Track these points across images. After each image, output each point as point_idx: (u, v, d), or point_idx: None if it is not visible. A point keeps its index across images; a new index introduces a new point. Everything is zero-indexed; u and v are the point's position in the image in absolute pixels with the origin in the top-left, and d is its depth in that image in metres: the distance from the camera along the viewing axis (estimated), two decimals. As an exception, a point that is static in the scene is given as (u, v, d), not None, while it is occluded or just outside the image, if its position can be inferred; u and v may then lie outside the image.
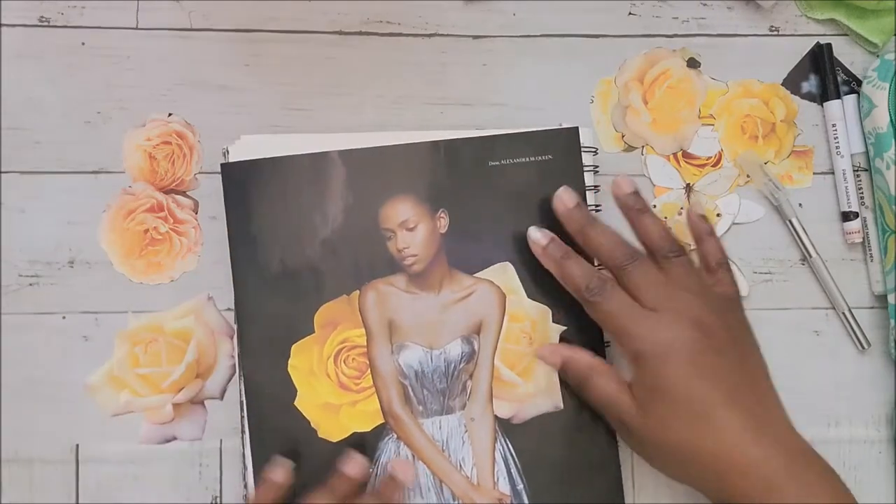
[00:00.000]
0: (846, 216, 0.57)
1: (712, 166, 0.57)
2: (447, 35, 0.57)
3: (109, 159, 0.55)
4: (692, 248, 0.52)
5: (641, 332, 0.47)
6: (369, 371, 0.52)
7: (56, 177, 0.55)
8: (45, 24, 0.56)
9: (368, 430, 0.52)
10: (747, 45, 0.58)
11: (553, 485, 0.52)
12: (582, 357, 0.51)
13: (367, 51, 0.57)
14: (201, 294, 0.55)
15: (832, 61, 0.57)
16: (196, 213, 0.55)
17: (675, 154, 0.57)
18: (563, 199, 0.51)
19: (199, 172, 0.56)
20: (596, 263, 0.52)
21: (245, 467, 0.52)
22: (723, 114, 0.58)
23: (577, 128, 0.54)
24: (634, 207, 0.51)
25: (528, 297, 0.53)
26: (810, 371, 0.56)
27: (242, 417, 0.52)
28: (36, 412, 0.54)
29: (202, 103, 0.56)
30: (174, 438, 0.54)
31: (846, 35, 0.58)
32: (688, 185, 0.57)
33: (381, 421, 0.52)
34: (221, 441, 0.54)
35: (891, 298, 0.55)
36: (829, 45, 0.58)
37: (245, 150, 0.53)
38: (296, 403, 0.52)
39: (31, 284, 0.55)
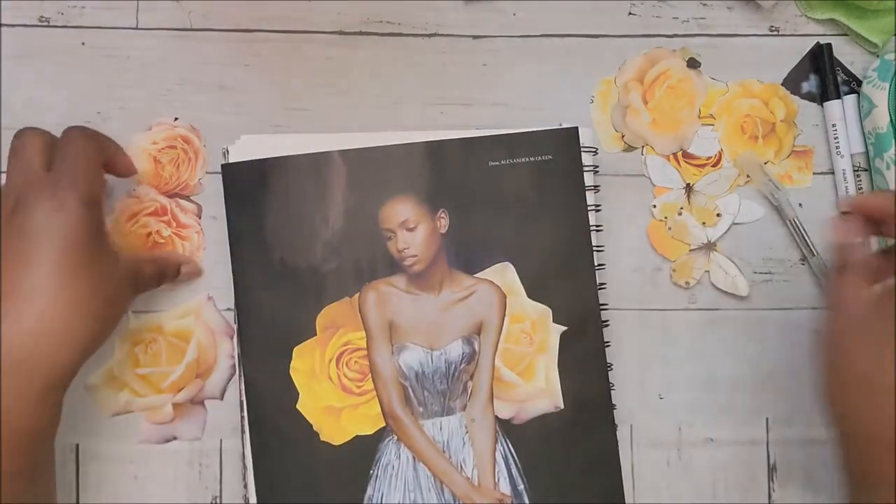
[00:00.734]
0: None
1: (712, 166, 0.57)
2: (447, 35, 0.57)
3: (109, 159, 0.55)
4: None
5: None
6: (371, 373, 0.52)
7: (56, 177, 0.55)
8: (45, 24, 0.56)
9: (370, 433, 0.52)
10: (747, 45, 0.58)
11: (553, 485, 0.52)
12: (859, 248, 0.44)
13: (367, 51, 0.57)
14: (201, 294, 0.55)
15: (832, 61, 0.57)
16: (199, 218, 0.55)
17: (674, 154, 0.57)
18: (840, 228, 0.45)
19: (205, 174, 0.55)
20: None
21: (245, 467, 0.52)
22: (723, 114, 0.58)
23: (576, 128, 0.54)
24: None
25: (529, 297, 0.53)
26: (810, 371, 0.56)
27: (242, 417, 0.52)
28: (36, 412, 0.54)
29: (202, 103, 0.56)
30: (174, 438, 0.54)
31: (846, 35, 0.58)
32: (688, 185, 0.57)
33: (383, 424, 0.52)
34: (221, 441, 0.54)
35: (890, 298, 0.55)
36: (829, 45, 0.57)
37: (245, 150, 0.53)
38: (298, 406, 0.52)
39: (31, 284, 0.54)
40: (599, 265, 0.54)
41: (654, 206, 0.57)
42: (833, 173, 0.57)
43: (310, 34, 0.57)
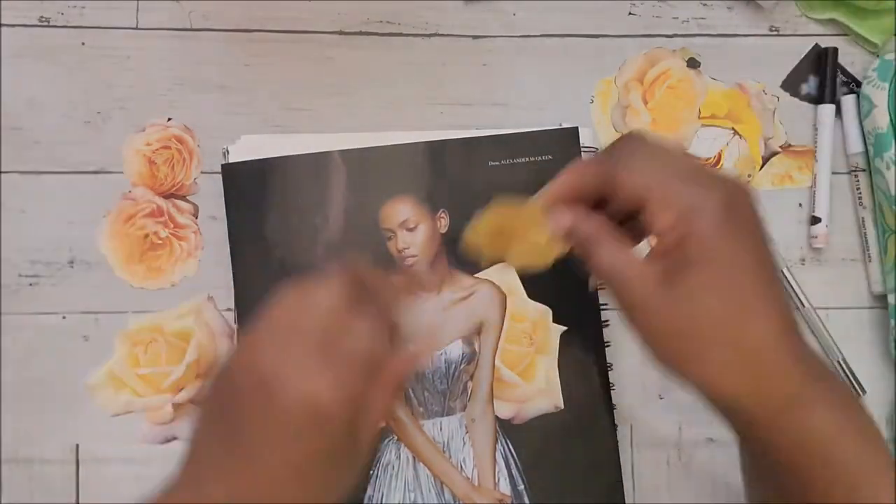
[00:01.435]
0: (813, 220, 0.57)
1: (712, 167, 0.57)
2: (447, 35, 0.57)
3: (109, 159, 0.55)
4: None
5: (673, 188, 0.38)
6: (370, 371, 0.52)
7: (56, 177, 0.55)
8: (45, 24, 0.56)
9: (370, 433, 0.52)
10: (747, 45, 0.58)
11: (553, 485, 0.52)
12: (591, 219, 0.41)
13: (367, 51, 0.57)
14: (201, 294, 0.55)
15: (835, 66, 0.57)
16: (196, 218, 0.55)
17: (675, 154, 0.57)
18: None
19: (200, 174, 0.55)
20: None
21: (245, 467, 0.52)
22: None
23: (577, 128, 0.54)
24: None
25: (529, 297, 0.53)
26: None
27: (243, 417, 0.52)
28: (36, 412, 0.54)
29: (202, 103, 0.56)
30: (174, 438, 0.54)
31: (846, 35, 0.58)
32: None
33: (383, 424, 0.52)
34: (222, 441, 0.54)
35: (891, 298, 0.55)
36: (834, 50, 0.57)
37: (245, 150, 0.53)
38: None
39: (31, 284, 0.54)
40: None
41: (654, 206, 0.57)
42: (835, 173, 0.57)
43: (310, 34, 0.57)
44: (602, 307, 0.54)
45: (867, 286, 0.57)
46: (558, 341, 0.53)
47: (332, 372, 0.37)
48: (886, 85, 0.55)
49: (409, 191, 0.53)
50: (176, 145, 0.56)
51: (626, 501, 0.53)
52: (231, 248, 0.53)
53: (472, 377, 0.53)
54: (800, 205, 0.57)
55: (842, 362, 0.56)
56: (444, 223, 0.53)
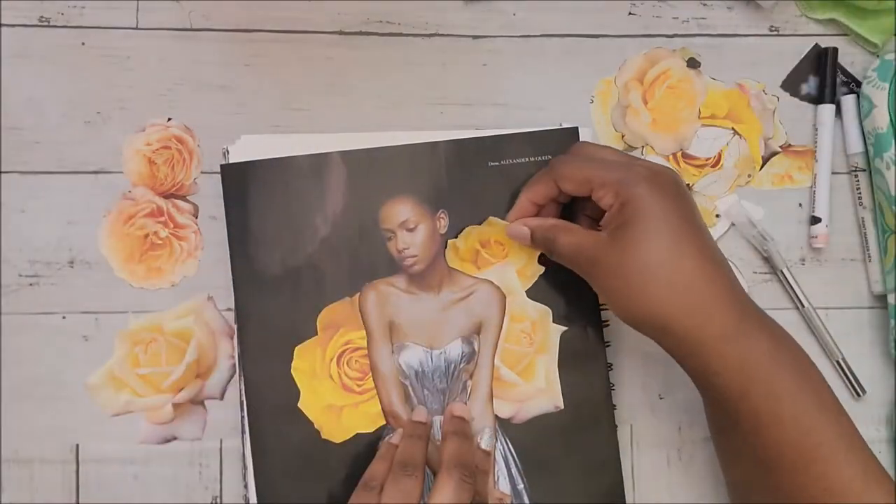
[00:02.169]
0: (813, 220, 0.57)
1: (712, 167, 0.57)
2: (447, 35, 0.57)
3: (109, 160, 0.55)
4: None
5: (607, 173, 0.47)
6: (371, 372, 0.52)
7: (56, 177, 0.55)
8: (45, 24, 0.56)
9: (371, 431, 0.52)
10: (747, 45, 0.58)
11: (553, 485, 0.52)
12: (547, 219, 0.51)
13: (367, 51, 0.57)
14: (201, 294, 0.55)
15: (835, 66, 0.57)
16: (196, 218, 0.55)
17: (674, 154, 0.57)
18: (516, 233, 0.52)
19: (200, 174, 0.56)
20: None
21: (245, 467, 0.52)
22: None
23: (577, 128, 0.54)
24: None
25: (529, 297, 0.53)
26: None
27: (242, 417, 0.52)
28: (36, 412, 0.54)
29: (202, 103, 0.56)
30: (174, 438, 0.54)
31: (846, 35, 0.58)
32: (687, 185, 0.57)
33: (384, 422, 0.52)
34: (221, 441, 0.54)
35: (891, 298, 0.55)
36: (834, 49, 0.57)
37: (245, 150, 0.54)
38: (299, 405, 0.52)
39: (31, 284, 0.55)
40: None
41: (654, 206, 0.57)
42: (835, 173, 0.57)
43: (310, 34, 0.57)
44: (602, 307, 0.54)
45: (867, 286, 0.57)
46: (558, 341, 0.53)
47: None
48: (886, 85, 0.55)
49: (408, 191, 0.53)
50: (176, 145, 0.56)
51: (626, 501, 0.53)
52: (230, 248, 0.53)
53: (471, 376, 0.53)
54: (800, 205, 0.57)
55: (842, 362, 0.56)
56: (443, 223, 0.53)
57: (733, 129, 0.58)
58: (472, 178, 0.53)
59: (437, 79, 0.57)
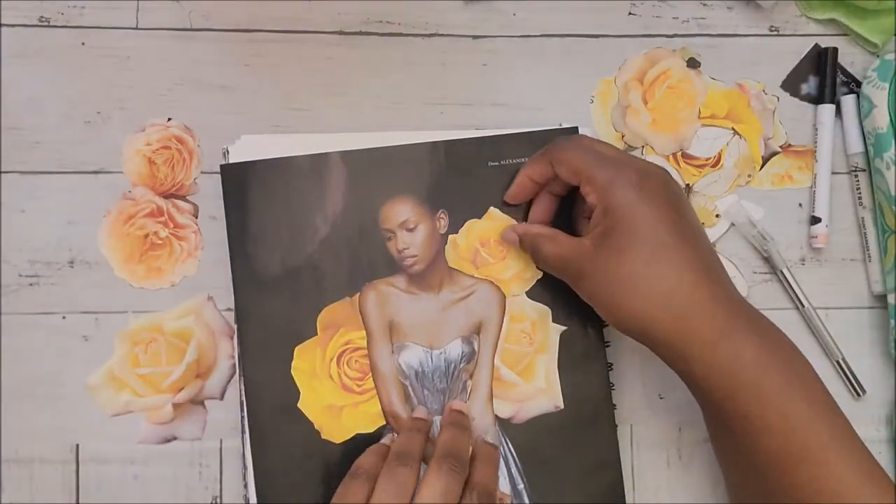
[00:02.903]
0: (813, 220, 0.57)
1: (712, 167, 0.57)
2: (447, 35, 0.57)
3: (109, 159, 0.55)
4: None
5: (594, 170, 0.47)
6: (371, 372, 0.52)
7: (56, 177, 0.55)
8: (45, 24, 0.56)
9: (371, 431, 0.52)
10: (747, 45, 0.58)
11: (553, 485, 0.52)
12: (533, 227, 0.51)
13: (367, 51, 0.57)
14: (201, 294, 0.55)
15: (835, 66, 0.57)
16: (196, 218, 0.55)
17: (674, 154, 0.57)
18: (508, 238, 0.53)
19: (200, 174, 0.56)
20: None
21: (245, 467, 0.52)
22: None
23: (577, 128, 0.54)
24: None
25: (529, 297, 0.53)
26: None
27: (242, 417, 0.52)
28: (36, 412, 0.54)
29: (202, 103, 0.56)
30: (174, 438, 0.54)
31: (846, 35, 0.58)
32: (687, 185, 0.57)
33: (384, 422, 0.52)
34: (221, 441, 0.54)
35: (891, 298, 0.55)
36: (834, 49, 0.57)
37: (245, 150, 0.54)
38: (299, 405, 0.52)
39: (31, 284, 0.55)
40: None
41: (654, 206, 0.57)
42: (835, 173, 0.57)
43: (310, 34, 0.57)
44: (602, 307, 0.54)
45: (867, 286, 0.57)
46: (558, 341, 0.53)
47: None
48: (886, 85, 0.55)
49: (408, 191, 0.53)
50: (176, 145, 0.56)
51: (626, 501, 0.53)
52: (230, 248, 0.53)
53: (471, 376, 0.53)
54: (800, 205, 0.57)
55: (842, 362, 0.56)
56: (443, 223, 0.53)
57: (733, 129, 0.58)
58: (472, 178, 0.53)
59: (437, 79, 0.57)
